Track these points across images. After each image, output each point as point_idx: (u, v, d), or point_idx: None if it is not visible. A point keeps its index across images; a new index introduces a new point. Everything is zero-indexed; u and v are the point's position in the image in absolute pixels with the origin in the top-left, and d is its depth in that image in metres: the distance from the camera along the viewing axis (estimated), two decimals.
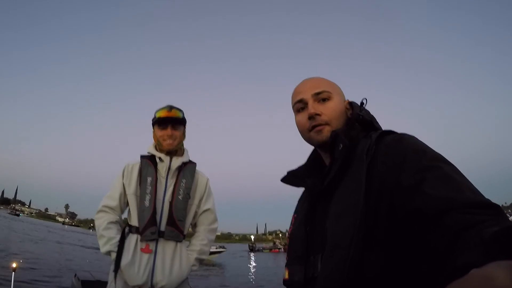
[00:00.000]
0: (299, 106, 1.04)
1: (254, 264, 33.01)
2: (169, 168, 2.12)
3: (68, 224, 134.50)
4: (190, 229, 2.24)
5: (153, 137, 2.20)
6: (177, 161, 2.14)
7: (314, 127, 0.99)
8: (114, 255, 2.00)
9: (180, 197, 2.08)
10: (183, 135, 2.21)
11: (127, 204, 2.15)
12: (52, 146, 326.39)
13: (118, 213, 2.14)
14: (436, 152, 0.80)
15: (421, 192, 0.71)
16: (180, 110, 2.18)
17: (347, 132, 0.95)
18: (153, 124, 2.17)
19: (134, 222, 2.07)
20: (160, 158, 2.13)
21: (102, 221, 2.08)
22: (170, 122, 2.11)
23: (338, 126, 0.98)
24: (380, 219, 0.77)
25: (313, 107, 0.99)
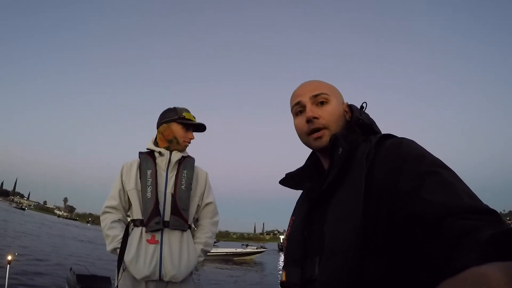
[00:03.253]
0: (297, 109, 1.03)
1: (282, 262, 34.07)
2: (169, 161, 2.17)
3: (63, 217, 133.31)
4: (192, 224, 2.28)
5: (166, 133, 2.21)
6: (177, 155, 2.19)
7: (312, 131, 0.98)
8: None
9: (183, 187, 2.12)
10: None
11: (129, 201, 2.17)
12: (53, 139, 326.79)
13: (122, 211, 2.18)
14: (435, 158, 0.79)
15: (419, 198, 0.70)
16: None
17: (346, 135, 0.95)
18: (176, 121, 2.20)
19: (137, 215, 2.08)
20: (160, 153, 2.18)
21: (106, 222, 2.13)
22: (197, 128, 2.29)
23: (337, 129, 0.98)
24: (379, 224, 0.76)
25: (311, 110, 0.98)
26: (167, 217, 2.05)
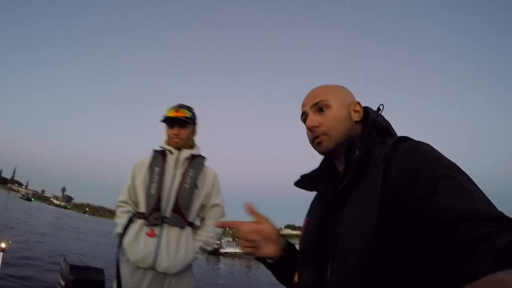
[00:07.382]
0: (303, 119, 1.06)
1: None
2: (177, 159, 2.29)
3: (53, 205, 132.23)
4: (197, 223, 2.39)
5: (166, 133, 2.39)
6: (185, 153, 2.31)
7: (314, 138, 1.01)
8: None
9: (186, 185, 2.21)
10: (192, 133, 2.39)
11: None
12: (54, 129, 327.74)
13: (131, 205, 2.33)
14: (451, 162, 0.78)
15: (434, 202, 0.70)
16: (189, 109, 2.35)
17: (363, 137, 0.94)
18: (164, 122, 2.35)
19: (142, 209, 2.23)
20: (170, 151, 2.31)
21: (116, 213, 2.34)
22: (176, 122, 2.28)
23: (339, 132, 0.98)
24: (393, 227, 0.76)
25: (310, 120, 1.01)
26: (168, 213, 2.16)
